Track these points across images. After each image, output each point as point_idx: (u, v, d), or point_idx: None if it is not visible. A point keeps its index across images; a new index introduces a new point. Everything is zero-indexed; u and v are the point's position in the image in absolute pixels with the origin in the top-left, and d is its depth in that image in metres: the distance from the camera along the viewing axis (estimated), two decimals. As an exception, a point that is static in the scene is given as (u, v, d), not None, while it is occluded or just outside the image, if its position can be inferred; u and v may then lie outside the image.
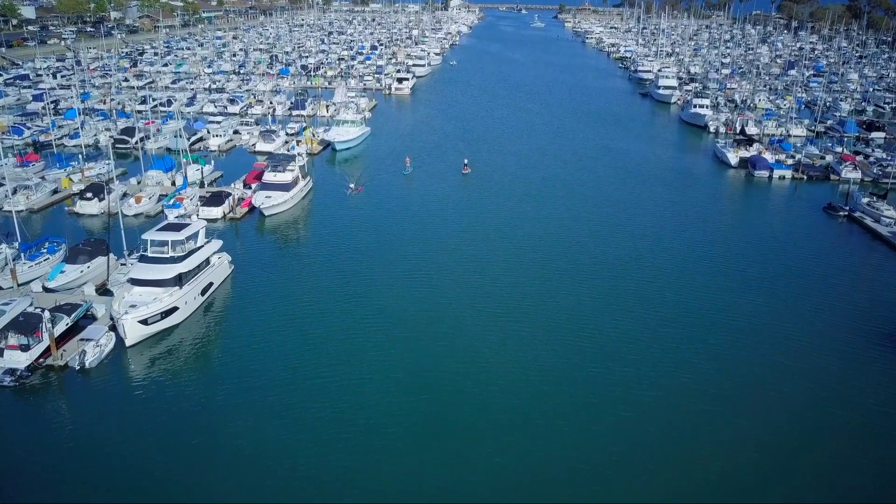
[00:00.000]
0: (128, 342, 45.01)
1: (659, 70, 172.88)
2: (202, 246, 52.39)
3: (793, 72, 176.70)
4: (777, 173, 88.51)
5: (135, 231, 58.88)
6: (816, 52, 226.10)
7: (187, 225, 52.17)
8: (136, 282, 48.14)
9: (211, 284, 52.86)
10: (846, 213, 74.29)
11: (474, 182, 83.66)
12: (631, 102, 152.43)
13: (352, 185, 78.52)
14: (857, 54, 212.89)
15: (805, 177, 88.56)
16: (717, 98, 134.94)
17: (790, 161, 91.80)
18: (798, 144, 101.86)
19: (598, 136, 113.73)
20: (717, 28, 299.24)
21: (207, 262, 52.91)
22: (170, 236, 49.92)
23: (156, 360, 44.71)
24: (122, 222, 58.68)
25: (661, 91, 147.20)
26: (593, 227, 70.16)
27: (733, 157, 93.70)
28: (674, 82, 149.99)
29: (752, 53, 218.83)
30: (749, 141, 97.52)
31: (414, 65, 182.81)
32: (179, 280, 48.53)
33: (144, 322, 45.37)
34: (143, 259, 49.29)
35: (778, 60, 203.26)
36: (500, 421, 39.16)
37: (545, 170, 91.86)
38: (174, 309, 47.54)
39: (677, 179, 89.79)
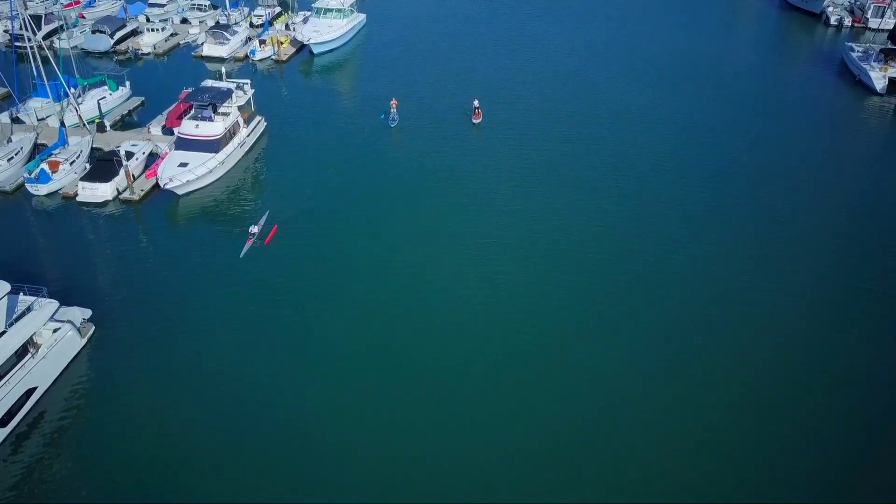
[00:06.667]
0: None
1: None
2: (3, 332, 29.04)
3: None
4: (949, 110, 60.45)
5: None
6: None
7: (-36, 299, 28.43)
8: None
9: (30, 394, 30.06)
10: None
11: (489, 135, 55.51)
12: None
13: (254, 231, 41.49)
14: None
15: None
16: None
17: (962, 86, 63.01)
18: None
19: (667, 30, 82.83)
20: None
21: (23, 353, 29.83)
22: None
23: None
24: None
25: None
26: (673, 211, 44.89)
27: (879, 77, 64.74)
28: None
29: None
30: (903, 53, 67.61)
31: None
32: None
33: None
34: None
35: None
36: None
37: (594, 90, 64.02)
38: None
39: (790, 109, 62.09)
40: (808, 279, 40.08)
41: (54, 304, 31.96)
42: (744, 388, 32.48)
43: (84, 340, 33.37)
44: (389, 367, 33.14)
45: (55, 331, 31.75)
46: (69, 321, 32.77)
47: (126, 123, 57.06)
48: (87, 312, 34.26)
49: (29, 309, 30.84)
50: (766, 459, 29.01)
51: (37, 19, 71.46)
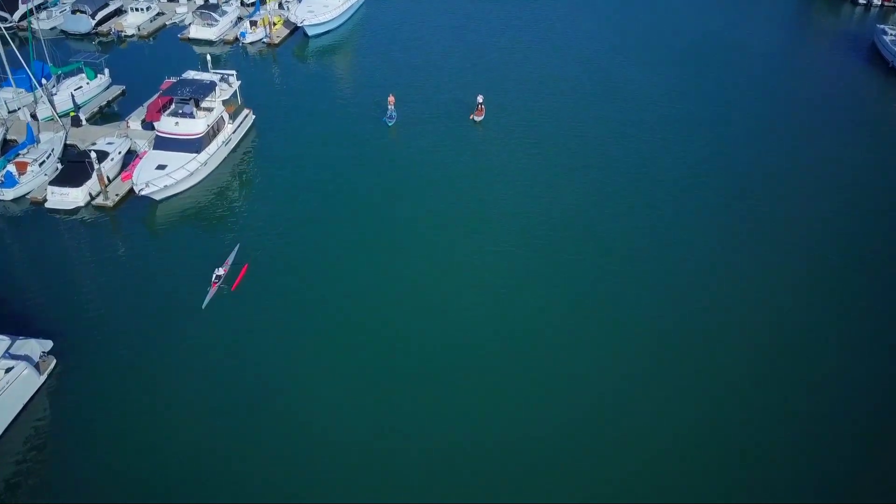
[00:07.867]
0: None
1: None
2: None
3: None
4: None
5: None
6: None
7: None
8: None
9: (-24, 446, 26.76)
10: None
11: (491, 136, 50.75)
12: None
13: (220, 273, 35.58)
14: None
15: None
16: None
17: None
18: None
19: (684, 9, 77.18)
20: None
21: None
22: None
23: None
24: None
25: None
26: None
27: (914, 64, 60.28)
28: None
29: None
30: (941, 37, 62.89)
31: None
32: None
33: None
34: None
35: None
36: None
37: (606, 77, 59.57)
38: None
39: (815, 98, 57.82)
40: (818, 279, 38.27)
41: (5, 341, 28.52)
42: (745, 383, 31.95)
43: (43, 377, 29.99)
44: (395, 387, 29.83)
45: (7, 370, 28.31)
46: (25, 356, 29.40)
47: (105, 115, 53.02)
48: (47, 344, 30.81)
49: (-27, 351, 27.38)
50: (767, 452, 28.84)
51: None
